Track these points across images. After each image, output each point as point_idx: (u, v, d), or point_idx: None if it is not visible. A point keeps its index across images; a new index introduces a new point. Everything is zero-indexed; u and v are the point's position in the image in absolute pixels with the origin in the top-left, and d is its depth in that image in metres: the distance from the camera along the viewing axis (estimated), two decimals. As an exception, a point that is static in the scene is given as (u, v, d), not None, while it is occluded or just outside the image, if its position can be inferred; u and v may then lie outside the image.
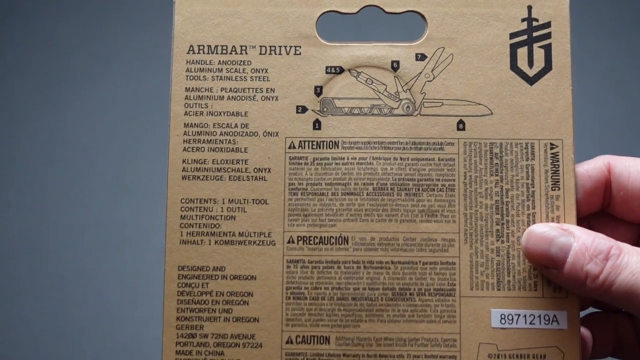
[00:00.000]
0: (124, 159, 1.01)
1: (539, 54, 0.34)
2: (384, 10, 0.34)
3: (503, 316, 0.32)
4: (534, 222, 0.33)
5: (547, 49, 0.34)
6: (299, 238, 0.33)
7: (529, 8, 0.34)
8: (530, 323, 0.32)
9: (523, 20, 0.34)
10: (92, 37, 1.06)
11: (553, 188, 0.33)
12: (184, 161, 0.34)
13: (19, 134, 1.04)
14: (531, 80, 0.34)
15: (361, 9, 0.34)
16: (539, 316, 0.32)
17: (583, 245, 0.31)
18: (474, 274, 0.33)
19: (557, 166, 0.33)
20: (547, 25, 0.34)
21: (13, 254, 1.00)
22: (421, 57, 0.34)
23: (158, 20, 1.02)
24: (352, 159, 0.33)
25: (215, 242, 0.33)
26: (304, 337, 0.33)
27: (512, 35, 0.34)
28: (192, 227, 0.33)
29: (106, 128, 1.03)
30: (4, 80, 1.05)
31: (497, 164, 0.33)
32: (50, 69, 1.06)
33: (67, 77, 1.05)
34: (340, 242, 0.33)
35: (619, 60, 1.06)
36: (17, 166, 1.03)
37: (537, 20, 0.34)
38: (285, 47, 0.34)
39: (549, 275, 0.32)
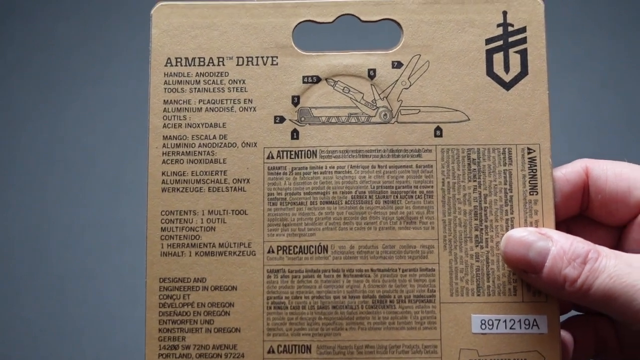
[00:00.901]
0: (124, 159, 1.01)
1: (514, 59, 0.34)
2: (359, 19, 0.34)
3: (483, 321, 0.33)
4: (512, 227, 0.33)
5: (523, 54, 0.34)
6: (279, 248, 0.33)
7: (504, 13, 0.34)
8: (510, 328, 0.32)
9: (498, 25, 0.34)
10: (92, 37, 1.07)
11: (531, 193, 0.33)
12: (163, 173, 0.34)
13: (19, 134, 1.04)
14: (507, 86, 0.34)
15: (337, 18, 0.34)
16: (519, 321, 0.33)
17: (561, 249, 0.31)
18: (454, 280, 0.33)
19: (534, 171, 0.33)
20: (523, 30, 0.34)
21: (13, 254, 1.01)
22: (397, 64, 0.34)
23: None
24: (330, 167, 0.34)
25: (196, 253, 0.33)
26: (285, 346, 0.33)
27: (488, 41, 0.34)
28: (173, 239, 0.33)
29: (106, 128, 1.03)
30: (4, 80, 1.05)
31: (474, 169, 0.33)
32: (50, 69, 1.06)
33: (67, 77, 1.05)
34: (319, 251, 0.33)
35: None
36: (17, 166, 1.03)
37: (512, 25, 0.34)
38: (262, 57, 0.34)
39: (528, 279, 0.32)
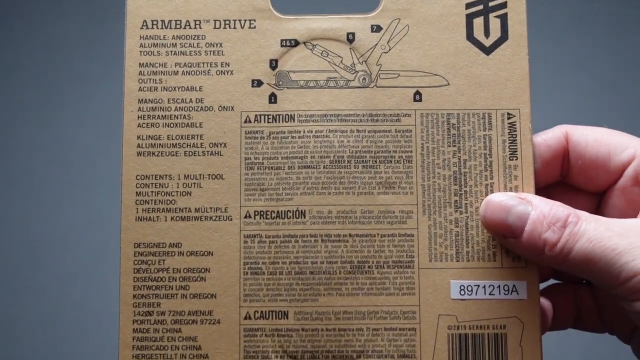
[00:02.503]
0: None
1: (495, 24, 0.34)
2: None
3: (462, 287, 0.32)
4: (492, 193, 0.33)
5: (503, 19, 0.34)
6: (256, 213, 0.33)
7: None
8: (489, 294, 0.32)
9: (479, -10, 0.34)
10: (92, 37, 1.06)
11: (511, 158, 0.33)
12: (138, 137, 0.33)
13: (19, 134, 1.03)
14: (487, 50, 0.33)
15: None
16: (499, 286, 0.32)
17: (541, 213, 0.31)
18: (433, 246, 0.33)
19: (514, 136, 0.33)
20: (503, -6, 0.34)
21: (13, 254, 1.00)
22: (376, 28, 0.34)
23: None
24: (308, 132, 0.33)
25: (172, 218, 0.33)
26: (262, 312, 0.32)
27: (468, 6, 0.34)
28: (148, 203, 0.33)
29: (106, 128, 1.03)
30: (4, 80, 1.05)
31: (454, 134, 0.33)
32: (50, 69, 1.05)
33: (67, 77, 1.05)
34: (297, 216, 0.33)
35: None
36: (17, 166, 1.02)
37: (492, -11, 0.34)
38: (240, 21, 0.34)
39: (508, 244, 0.32)
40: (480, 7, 0.34)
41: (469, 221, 0.33)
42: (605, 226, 0.30)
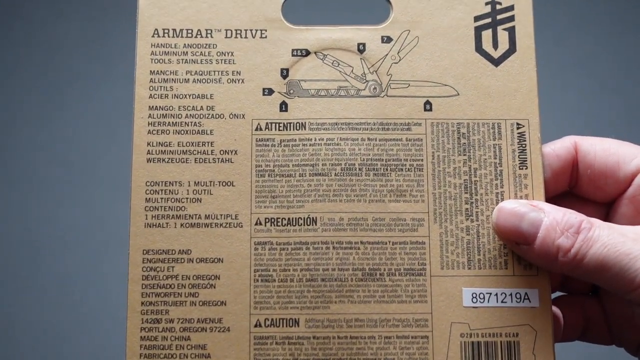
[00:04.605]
0: (124, 158, 1.00)
1: (503, 37, 0.34)
2: None
3: (474, 295, 0.32)
4: (502, 201, 0.33)
5: (511, 32, 0.34)
6: (267, 220, 0.33)
7: None
8: (501, 301, 0.32)
9: (487, 3, 0.34)
10: (93, 37, 1.06)
11: (521, 167, 0.33)
12: (148, 144, 0.33)
13: (19, 134, 1.03)
14: (496, 62, 0.34)
15: None
16: (510, 294, 0.32)
17: (554, 219, 0.31)
18: (444, 253, 0.32)
19: (524, 145, 0.33)
20: (510, 8, 0.34)
21: (13, 253, 0.98)
22: (387, 39, 0.34)
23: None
24: (319, 139, 0.33)
25: (181, 225, 0.32)
26: (272, 320, 0.32)
27: (477, 19, 0.34)
28: (157, 210, 0.33)
29: (106, 128, 1.02)
30: (4, 80, 1.04)
31: (464, 143, 0.33)
32: (50, 69, 1.05)
33: (68, 77, 1.05)
34: (308, 223, 0.32)
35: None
36: (17, 166, 1.01)
37: (500, 3, 0.34)
38: (251, 30, 0.34)
39: (520, 251, 0.32)
40: (489, 20, 0.34)
41: (480, 229, 0.33)
42: (619, 232, 0.30)
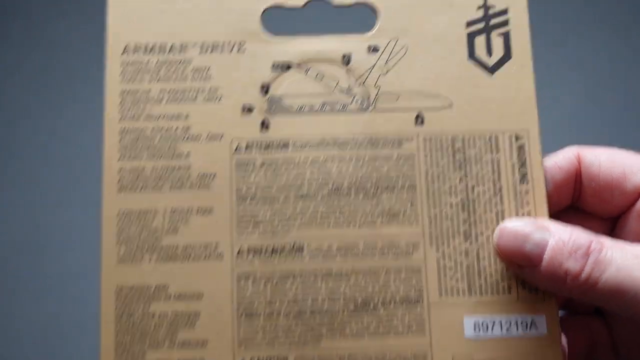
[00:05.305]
0: None
1: (497, 42, 0.32)
2: (331, 3, 0.32)
3: (477, 324, 0.30)
4: (503, 219, 0.30)
5: (506, 37, 0.32)
6: (250, 249, 0.30)
7: None
8: (506, 330, 0.30)
9: (479, 7, 0.32)
10: (93, 37, 1.05)
11: (521, 182, 0.31)
12: (120, 170, 0.31)
13: (19, 134, 1.01)
14: (491, 70, 0.32)
15: (308, 2, 0.32)
16: (516, 322, 0.30)
17: (560, 240, 0.28)
18: (443, 279, 0.30)
19: (523, 159, 0.31)
20: (504, 12, 0.32)
21: (13, 253, 0.96)
22: (374, 49, 0.32)
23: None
24: (304, 159, 0.31)
25: (157, 258, 0.30)
26: (259, 358, 0.29)
27: (469, 24, 0.32)
28: (131, 242, 0.30)
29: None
30: (4, 80, 1.02)
31: (460, 159, 0.31)
32: (50, 69, 1.04)
33: (67, 78, 1.03)
34: (295, 252, 0.30)
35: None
36: (17, 166, 0.99)
37: (493, 7, 0.32)
38: (228, 43, 0.32)
39: (525, 275, 0.29)
40: (482, 25, 0.32)
41: (481, 251, 0.30)
42: (632, 253, 0.28)
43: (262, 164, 0.31)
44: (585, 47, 1.06)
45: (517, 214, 0.30)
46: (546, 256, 0.28)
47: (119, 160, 0.31)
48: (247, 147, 0.31)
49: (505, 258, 0.29)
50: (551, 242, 0.28)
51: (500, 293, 0.30)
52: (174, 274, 0.30)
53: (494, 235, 0.30)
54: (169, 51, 0.31)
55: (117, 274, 0.30)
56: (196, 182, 0.30)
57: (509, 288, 0.30)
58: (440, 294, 0.30)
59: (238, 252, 0.30)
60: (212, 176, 0.31)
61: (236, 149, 0.31)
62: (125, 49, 0.31)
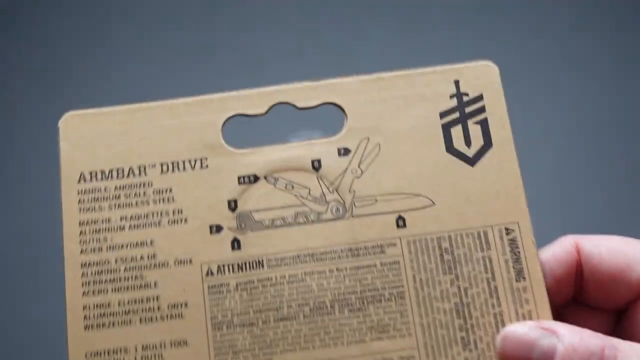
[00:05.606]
0: None
1: (475, 131, 0.30)
2: (295, 107, 0.30)
3: None
4: (502, 322, 0.28)
5: (484, 124, 0.30)
6: None
7: (456, 83, 0.30)
8: None
9: (452, 96, 0.30)
10: (93, 37, 1.04)
11: (517, 279, 0.28)
12: (84, 307, 0.28)
13: (18, 134, 0.99)
14: (472, 161, 0.30)
15: (270, 108, 0.30)
16: None
17: (570, 346, 0.26)
18: None
19: (517, 253, 0.29)
20: (479, 98, 0.30)
21: (13, 253, 0.95)
22: (344, 151, 0.30)
23: (158, 21, 1.04)
24: (281, 278, 0.28)
25: None
26: None
27: (443, 115, 0.30)
28: None
29: None
30: (4, 80, 1.01)
31: (448, 260, 0.29)
32: (50, 69, 1.02)
33: (67, 78, 1.02)
34: None
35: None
36: (17, 166, 0.98)
37: (467, 94, 0.30)
38: (190, 160, 0.30)
39: None
40: (457, 115, 0.30)
41: (482, 359, 0.28)
42: None
43: (237, 287, 0.28)
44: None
45: (517, 315, 0.28)
46: None
47: (83, 296, 0.28)
48: (218, 269, 0.29)
49: None
50: (559, 349, 0.26)
51: None
52: None
53: (496, 342, 0.27)
54: (128, 175, 0.30)
55: None
56: (167, 312, 0.28)
57: None
58: None
59: None
60: (183, 305, 0.28)
61: (207, 273, 0.29)
62: (80, 176, 0.30)
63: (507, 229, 0.29)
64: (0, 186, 1.01)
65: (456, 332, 0.28)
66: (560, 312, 0.30)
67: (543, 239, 0.30)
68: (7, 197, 1.02)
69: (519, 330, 0.27)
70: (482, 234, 0.29)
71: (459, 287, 0.28)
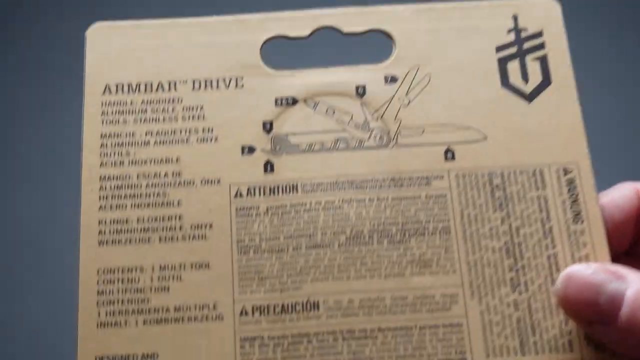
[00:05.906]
0: None
1: (534, 67, 0.28)
2: (340, 32, 0.28)
3: (534, 391, 0.24)
4: (556, 265, 0.25)
5: (543, 61, 0.28)
6: (255, 308, 0.25)
7: (515, 18, 0.29)
8: (571, 398, 0.24)
9: (510, 31, 0.28)
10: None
11: (575, 221, 0.26)
12: (100, 222, 0.26)
13: (19, 134, 0.99)
14: (529, 97, 0.27)
15: (314, 31, 0.28)
16: (582, 387, 0.24)
17: (639, 291, 0.23)
18: (489, 337, 0.25)
19: (575, 195, 0.26)
20: (539, 34, 0.28)
21: (13, 253, 0.93)
22: (391, 79, 0.28)
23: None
24: (316, 203, 0.26)
25: (144, 321, 0.25)
26: None
27: (499, 49, 0.28)
28: (113, 304, 0.25)
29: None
30: (4, 80, 1.01)
31: (500, 197, 0.26)
32: (50, 69, 1.01)
33: (67, 78, 1.01)
34: (309, 309, 0.25)
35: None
36: (17, 166, 0.97)
37: (526, 30, 0.28)
38: (224, 79, 0.28)
39: (594, 332, 0.24)
40: (514, 49, 0.28)
41: (533, 302, 0.25)
42: None
43: (267, 211, 0.26)
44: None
45: (572, 259, 0.25)
46: (624, 312, 0.23)
47: (99, 210, 0.26)
48: (248, 192, 0.26)
49: (573, 313, 0.24)
50: (629, 294, 0.23)
51: (561, 352, 0.24)
52: (164, 340, 0.25)
53: (557, 283, 0.25)
54: (157, 89, 0.28)
55: (97, 341, 0.25)
56: (190, 233, 0.26)
57: (571, 346, 0.24)
58: (487, 355, 0.24)
59: (241, 313, 0.25)
60: (208, 226, 0.26)
61: (236, 194, 0.26)
62: (106, 88, 0.28)
63: (565, 169, 0.26)
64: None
65: (505, 272, 0.25)
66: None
67: (599, 183, 0.27)
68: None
69: (585, 271, 0.24)
70: (537, 172, 0.26)
71: (510, 226, 0.26)
